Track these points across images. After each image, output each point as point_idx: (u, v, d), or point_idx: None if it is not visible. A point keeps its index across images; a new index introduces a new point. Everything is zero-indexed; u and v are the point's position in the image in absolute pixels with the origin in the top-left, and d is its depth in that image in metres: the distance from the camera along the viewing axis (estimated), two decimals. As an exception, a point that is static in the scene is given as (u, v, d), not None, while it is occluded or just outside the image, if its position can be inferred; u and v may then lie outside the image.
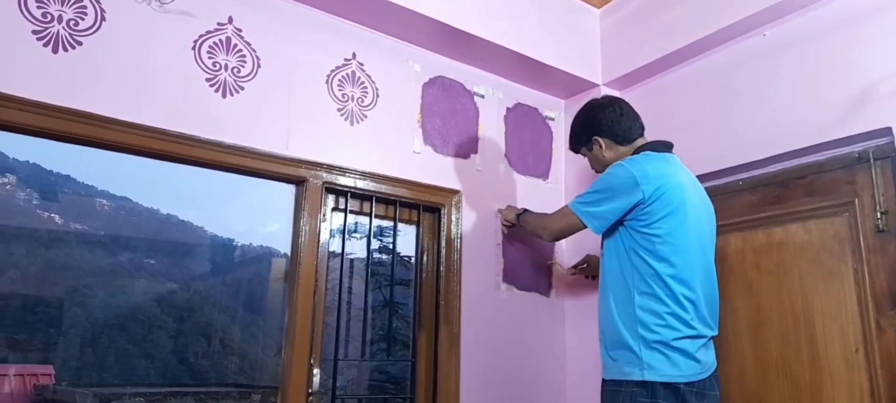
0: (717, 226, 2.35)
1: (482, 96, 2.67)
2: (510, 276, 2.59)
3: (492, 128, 2.68)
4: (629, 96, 2.78)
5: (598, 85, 2.77)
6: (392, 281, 2.38)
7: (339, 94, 2.27)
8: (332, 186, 2.21)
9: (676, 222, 1.76)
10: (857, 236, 1.98)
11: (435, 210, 2.48)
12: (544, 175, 2.82)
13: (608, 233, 1.90)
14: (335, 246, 2.23)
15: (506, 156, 2.70)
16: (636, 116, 2.01)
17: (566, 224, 2.02)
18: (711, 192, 2.39)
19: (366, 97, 2.34)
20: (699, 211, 1.85)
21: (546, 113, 2.89)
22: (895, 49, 1.90)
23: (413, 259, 2.49)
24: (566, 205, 2.00)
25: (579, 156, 2.16)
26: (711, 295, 1.84)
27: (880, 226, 1.92)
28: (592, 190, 1.89)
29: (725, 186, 2.36)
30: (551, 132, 2.89)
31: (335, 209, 2.27)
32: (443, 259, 2.42)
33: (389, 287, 2.38)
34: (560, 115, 2.93)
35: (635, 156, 1.91)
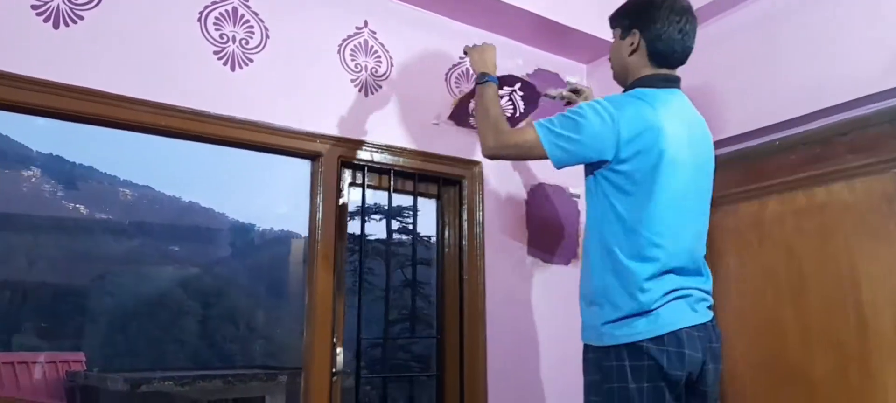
0: (752, 189, 2.26)
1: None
2: (535, 248, 2.50)
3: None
4: (655, 57, 2.65)
5: (622, 46, 2.64)
6: (414, 257, 2.30)
7: (352, 65, 2.18)
8: (348, 160, 2.13)
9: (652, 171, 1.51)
10: (907, 194, 1.85)
11: (456, 182, 2.39)
12: (568, 143, 2.71)
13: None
14: (354, 227, 2.17)
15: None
16: (690, 45, 1.65)
17: (522, 141, 1.63)
18: (745, 154, 2.29)
19: (380, 67, 2.25)
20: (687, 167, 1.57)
21: (568, 78, 2.77)
22: (949, -11, 1.76)
23: (433, 237, 2.42)
24: (532, 123, 1.63)
25: None
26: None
27: (932, 182, 1.80)
28: (567, 115, 1.58)
29: (760, 147, 2.24)
30: (574, 98, 2.77)
31: (353, 184, 2.19)
32: (465, 232, 2.34)
33: (411, 265, 2.30)
34: (582, 79, 2.81)
35: (623, 95, 1.63)
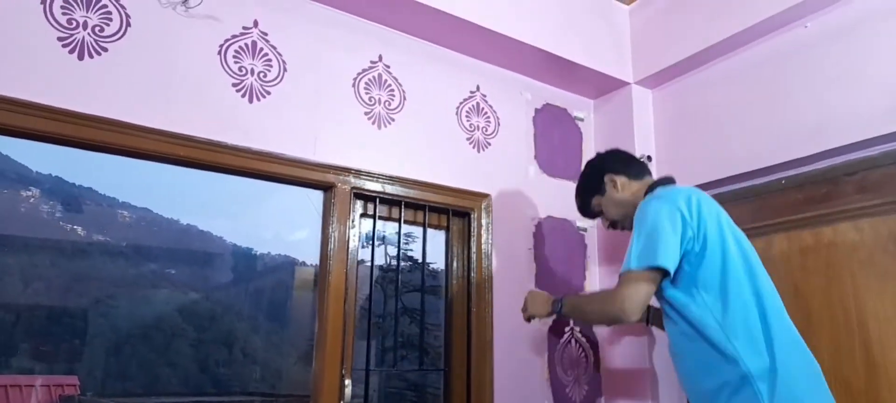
0: (759, 227, 2.28)
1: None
2: (543, 282, 2.52)
3: (521, 129, 2.61)
4: (661, 94, 2.70)
5: (628, 83, 2.69)
6: (422, 288, 2.31)
7: (365, 97, 2.22)
8: (361, 192, 2.15)
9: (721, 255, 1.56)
10: (913, 234, 1.88)
11: (464, 214, 2.41)
12: (574, 177, 2.72)
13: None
14: (364, 254, 2.18)
15: (535, 158, 2.63)
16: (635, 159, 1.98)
17: (645, 285, 1.56)
18: (752, 192, 2.32)
19: (393, 100, 2.28)
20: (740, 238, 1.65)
21: (575, 113, 2.82)
22: (952, 36, 1.80)
23: (441, 266, 2.43)
24: (625, 274, 1.58)
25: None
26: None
27: (938, 224, 1.82)
28: (638, 239, 1.58)
29: (767, 185, 2.27)
30: (580, 133, 2.81)
31: (364, 215, 2.21)
32: (473, 264, 2.35)
33: (420, 293, 2.30)
34: (589, 115, 2.86)
35: (655, 192, 1.72)
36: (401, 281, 2.22)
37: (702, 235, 1.56)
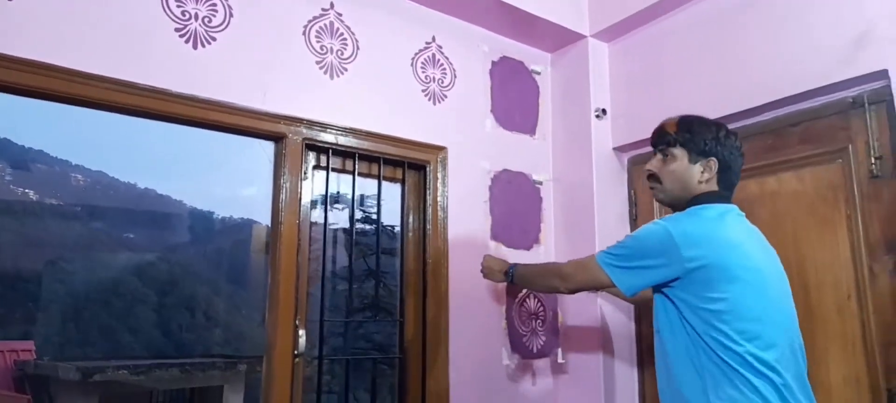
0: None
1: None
2: (499, 234, 2.54)
3: (477, 82, 2.59)
4: (617, 48, 2.71)
5: (585, 36, 2.69)
6: (378, 240, 2.31)
7: (317, 46, 2.17)
8: (313, 143, 2.12)
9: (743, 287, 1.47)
10: (851, 183, 1.94)
11: (420, 167, 2.40)
12: (531, 131, 2.74)
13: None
14: (317, 214, 2.16)
15: (491, 111, 2.62)
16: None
17: (590, 278, 1.72)
18: (702, 143, 2.36)
19: (346, 49, 2.23)
20: (772, 271, 1.57)
21: (532, 67, 2.81)
22: (892, -12, 1.84)
23: (397, 227, 2.43)
24: (592, 256, 1.70)
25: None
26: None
27: (874, 172, 1.89)
28: (623, 243, 1.64)
29: (717, 137, 2.31)
30: (537, 86, 2.81)
31: (317, 167, 2.18)
32: (429, 217, 2.35)
33: (375, 255, 2.30)
34: (546, 69, 2.85)
35: (679, 213, 1.62)
36: (363, 244, 2.21)
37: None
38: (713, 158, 1.61)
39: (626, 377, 2.48)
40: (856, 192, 1.92)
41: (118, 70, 1.75)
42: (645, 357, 2.48)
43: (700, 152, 1.61)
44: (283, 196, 2.03)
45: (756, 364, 1.41)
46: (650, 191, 1.77)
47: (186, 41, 1.89)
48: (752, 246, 1.56)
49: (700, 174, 1.61)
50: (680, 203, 1.65)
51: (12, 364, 8.23)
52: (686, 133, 1.63)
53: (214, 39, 1.94)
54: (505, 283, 2.35)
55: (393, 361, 2.32)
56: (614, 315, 2.50)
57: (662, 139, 1.68)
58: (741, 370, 1.42)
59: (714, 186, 1.62)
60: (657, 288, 1.59)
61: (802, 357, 1.53)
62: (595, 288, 1.93)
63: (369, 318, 2.39)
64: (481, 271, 2.31)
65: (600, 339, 2.46)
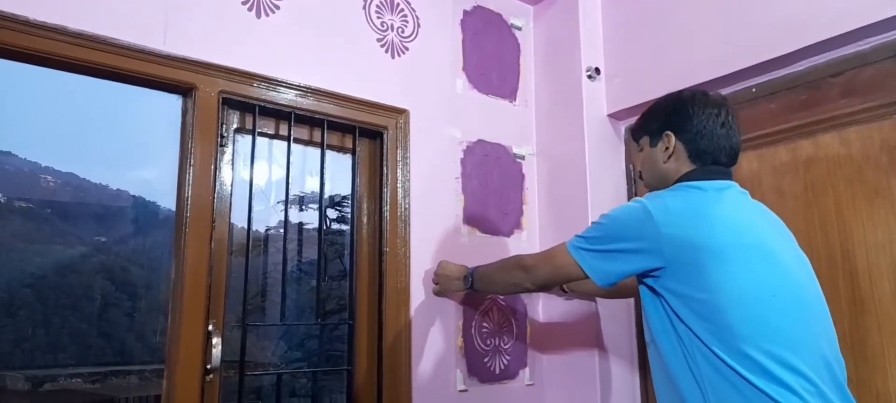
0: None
1: (433, -6, 2.13)
2: (473, 218, 2.10)
3: (446, 34, 2.15)
4: (612, -4, 2.29)
5: (574, -17, 2.26)
6: (320, 229, 1.85)
7: (240, -23, 1.71)
8: (233, 97, 1.66)
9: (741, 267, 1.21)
10: (911, 143, 1.55)
11: (376, 134, 1.96)
12: (511, 95, 2.31)
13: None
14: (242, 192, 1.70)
15: (464, 69, 2.18)
16: (737, 139, 1.39)
17: (557, 268, 1.45)
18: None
19: (279, -17, 1.78)
20: (784, 249, 1.30)
21: (512, 20, 2.38)
22: None
23: (347, 210, 1.98)
24: (562, 244, 1.45)
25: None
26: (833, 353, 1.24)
27: (942, 128, 1.49)
28: (596, 223, 1.40)
29: (734, 95, 1.90)
30: (518, 44, 2.38)
31: (240, 130, 1.72)
32: (386, 196, 1.91)
33: (318, 240, 1.84)
34: (528, 24, 2.42)
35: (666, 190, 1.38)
36: (306, 230, 1.78)
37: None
38: (667, 131, 1.41)
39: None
40: (918, 154, 1.53)
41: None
42: (644, 362, 2.06)
43: (656, 132, 1.45)
44: (190, 165, 1.56)
45: (768, 365, 1.14)
46: None
47: (53, -45, 1.42)
48: (755, 220, 1.32)
49: (662, 153, 1.42)
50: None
51: (-49, 375, 7.61)
52: (645, 117, 1.50)
53: (94, -44, 1.47)
54: (464, 292, 1.93)
55: (341, 374, 1.87)
56: (609, 325, 2.08)
57: (634, 133, 1.55)
58: (750, 375, 1.15)
59: (685, 162, 1.39)
60: (642, 282, 1.35)
61: (837, 358, 1.23)
62: (564, 280, 1.59)
63: (312, 322, 1.93)
64: (434, 282, 1.92)
65: (591, 366, 2.04)
